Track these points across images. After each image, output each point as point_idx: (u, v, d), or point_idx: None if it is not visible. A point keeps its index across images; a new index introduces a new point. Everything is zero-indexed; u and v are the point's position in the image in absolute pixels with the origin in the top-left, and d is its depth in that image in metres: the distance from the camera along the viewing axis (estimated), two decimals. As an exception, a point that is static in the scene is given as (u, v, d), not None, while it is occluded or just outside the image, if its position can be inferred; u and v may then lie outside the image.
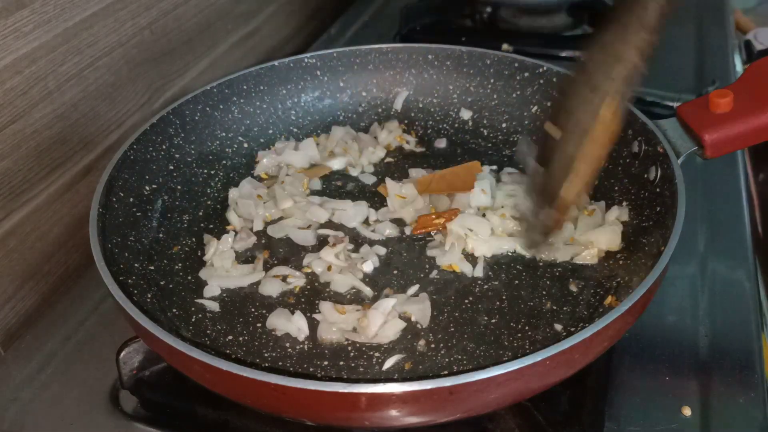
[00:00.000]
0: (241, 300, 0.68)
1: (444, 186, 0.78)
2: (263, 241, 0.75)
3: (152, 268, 0.70)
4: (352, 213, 0.77)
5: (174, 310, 0.67)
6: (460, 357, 0.61)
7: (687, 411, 0.61)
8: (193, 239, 0.76)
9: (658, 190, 0.68)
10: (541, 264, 0.71)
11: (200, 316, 0.67)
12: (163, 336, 0.52)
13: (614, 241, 0.70)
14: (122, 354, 0.63)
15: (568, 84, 0.62)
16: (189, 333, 0.65)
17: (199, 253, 0.74)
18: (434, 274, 0.70)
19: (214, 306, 0.67)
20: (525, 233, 0.70)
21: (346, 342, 0.63)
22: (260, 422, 0.62)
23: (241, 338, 0.64)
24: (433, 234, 0.75)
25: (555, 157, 0.61)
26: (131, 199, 0.73)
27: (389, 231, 0.75)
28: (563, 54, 1.17)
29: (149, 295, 0.66)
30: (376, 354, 0.62)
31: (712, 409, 0.61)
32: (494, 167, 0.83)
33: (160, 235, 0.75)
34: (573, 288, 0.68)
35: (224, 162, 0.86)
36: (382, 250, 0.73)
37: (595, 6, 1.24)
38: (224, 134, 0.87)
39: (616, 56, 0.57)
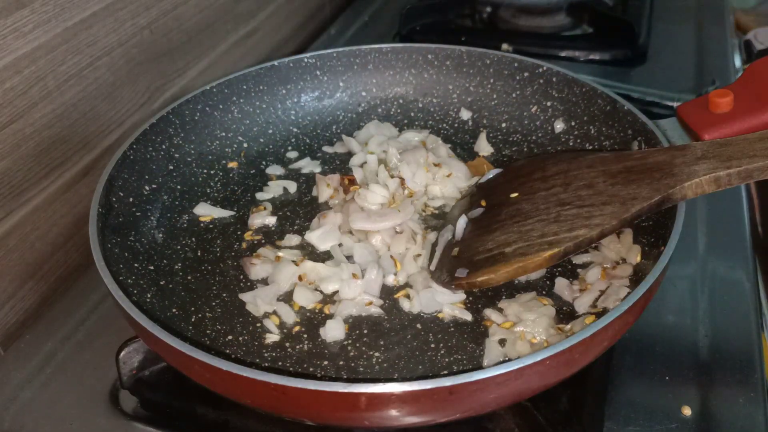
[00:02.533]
0: (241, 301, 0.68)
1: None
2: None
3: (152, 268, 0.70)
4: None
5: (174, 310, 0.67)
6: (460, 357, 0.62)
7: (687, 411, 0.61)
8: (193, 239, 0.75)
9: (658, 190, 0.68)
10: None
11: (200, 316, 0.67)
12: (162, 336, 0.52)
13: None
14: (122, 354, 0.63)
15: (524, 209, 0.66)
16: (189, 333, 0.65)
17: (199, 253, 0.74)
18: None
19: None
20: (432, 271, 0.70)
21: (347, 342, 0.63)
22: (260, 422, 0.62)
23: (241, 338, 0.64)
24: None
25: (491, 236, 0.65)
26: (131, 199, 0.73)
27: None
28: (563, 54, 1.17)
29: (149, 295, 0.66)
30: (376, 354, 0.62)
31: (712, 409, 0.61)
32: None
33: (160, 235, 0.75)
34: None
35: (224, 162, 0.86)
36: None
37: (595, 6, 1.24)
38: (224, 134, 0.87)
39: (587, 221, 0.60)
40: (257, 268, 0.70)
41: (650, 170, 0.61)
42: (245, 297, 0.68)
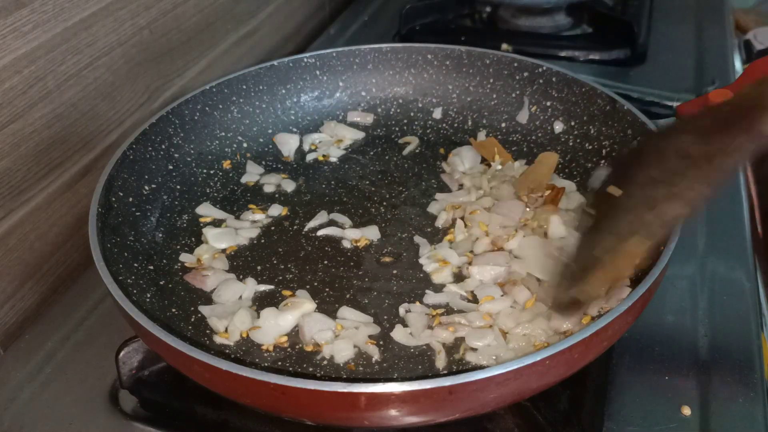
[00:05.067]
0: (240, 300, 0.68)
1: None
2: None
3: (151, 267, 0.70)
4: None
5: (173, 310, 0.67)
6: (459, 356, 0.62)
7: (687, 411, 0.61)
8: (193, 239, 0.75)
9: (657, 189, 0.68)
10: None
11: (200, 316, 0.66)
12: (162, 336, 0.52)
13: None
14: (121, 354, 0.63)
15: (622, 194, 0.59)
16: (189, 333, 0.65)
17: (199, 253, 0.74)
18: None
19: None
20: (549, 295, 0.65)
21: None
22: (260, 422, 0.62)
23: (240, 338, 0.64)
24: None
25: (588, 239, 0.60)
26: (130, 199, 0.73)
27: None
28: (563, 54, 1.17)
29: (148, 295, 0.66)
30: (376, 354, 0.62)
31: (712, 409, 0.61)
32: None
33: (160, 235, 0.74)
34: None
35: (224, 162, 0.85)
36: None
37: (595, 6, 1.24)
38: (223, 134, 0.87)
39: (675, 198, 0.55)
40: (211, 280, 0.69)
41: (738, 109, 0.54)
42: (205, 311, 0.66)
